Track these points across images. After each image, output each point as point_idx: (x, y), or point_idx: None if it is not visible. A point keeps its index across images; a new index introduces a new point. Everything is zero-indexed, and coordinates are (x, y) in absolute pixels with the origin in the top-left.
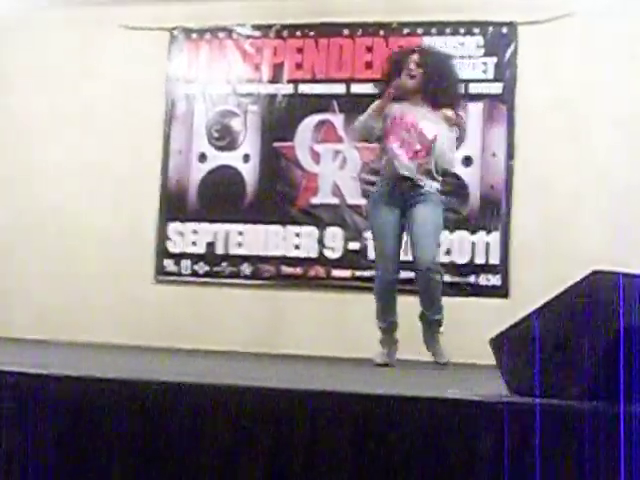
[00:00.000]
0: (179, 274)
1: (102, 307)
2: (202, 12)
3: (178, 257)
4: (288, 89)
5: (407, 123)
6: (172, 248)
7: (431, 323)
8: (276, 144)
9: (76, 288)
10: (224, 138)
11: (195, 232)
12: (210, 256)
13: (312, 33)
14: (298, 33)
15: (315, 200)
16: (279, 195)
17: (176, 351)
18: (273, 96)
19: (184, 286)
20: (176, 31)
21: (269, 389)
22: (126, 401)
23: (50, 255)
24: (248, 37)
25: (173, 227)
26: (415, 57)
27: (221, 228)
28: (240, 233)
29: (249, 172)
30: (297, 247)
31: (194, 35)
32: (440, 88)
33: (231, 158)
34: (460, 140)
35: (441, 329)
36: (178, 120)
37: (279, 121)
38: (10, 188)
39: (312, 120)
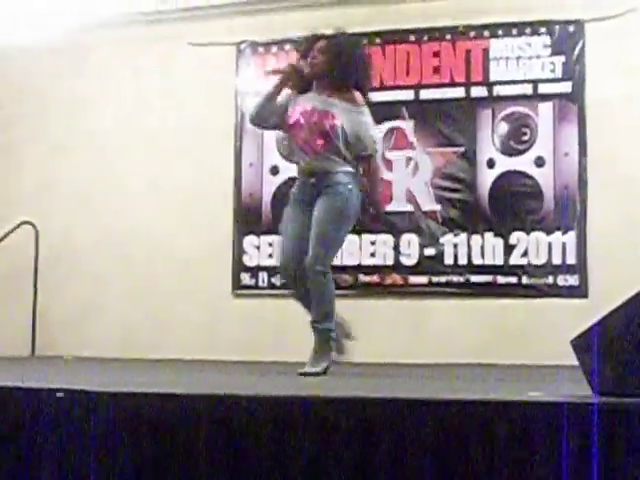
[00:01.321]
0: (256, 287)
1: (182, 323)
2: (267, 24)
3: (255, 270)
4: None
5: (311, 114)
6: (248, 261)
7: (317, 332)
8: None
9: (156, 305)
10: None
11: (270, 244)
12: None
13: (378, 40)
14: (364, 41)
15: (389, 207)
16: None
17: (256, 364)
18: None
19: (262, 299)
20: (243, 45)
21: (350, 399)
22: (212, 416)
23: (130, 273)
24: None
25: (249, 240)
26: (320, 44)
27: None
28: None
29: None
30: (373, 255)
31: (261, 48)
32: (346, 72)
33: None
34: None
35: (330, 344)
36: (248, 134)
37: None
38: (91, 207)
39: (382, 127)
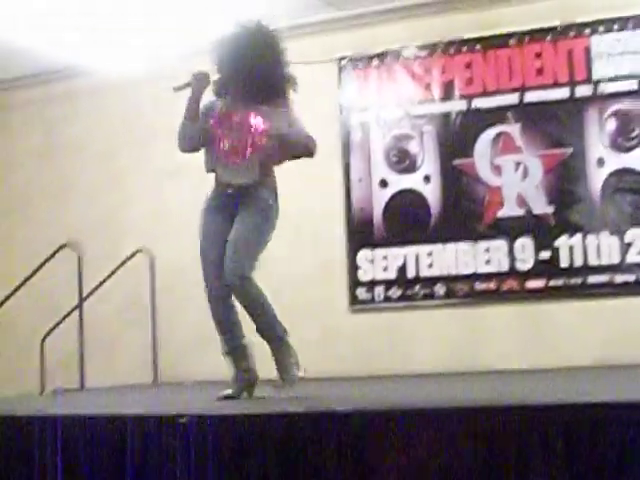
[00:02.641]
0: (373, 301)
1: (299, 342)
2: (367, 39)
3: (370, 284)
4: (461, 105)
5: (233, 121)
6: (363, 276)
7: (269, 341)
8: (455, 162)
9: None
10: (403, 161)
11: (385, 258)
12: (402, 280)
13: (479, 46)
14: (465, 48)
15: (501, 213)
16: (464, 212)
17: (376, 378)
18: (447, 114)
19: (378, 313)
20: (344, 61)
21: (474, 408)
22: (339, 433)
23: None
24: (415, 58)
25: (362, 255)
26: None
27: (410, 251)
28: (429, 254)
29: (431, 193)
30: (488, 262)
31: (362, 62)
32: (255, 79)
33: (412, 181)
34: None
35: (289, 342)
36: (355, 148)
37: (456, 138)
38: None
39: (489, 134)
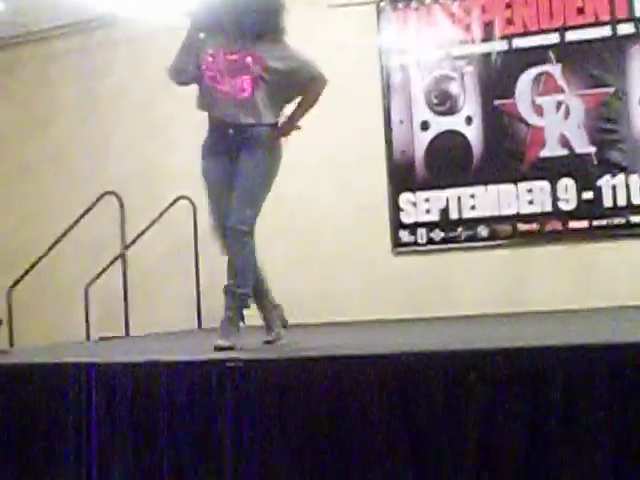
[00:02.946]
0: (416, 244)
1: (344, 286)
2: None
3: (413, 227)
4: (502, 46)
5: (226, 57)
6: (406, 219)
7: (232, 296)
8: (497, 102)
9: (318, 271)
10: (444, 103)
11: (427, 200)
12: (445, 222)
13: None
14: None
15: (543, 153)
16: (506, 153)
17: (420, 320)
18: (487, 55)
19: (421, 255)
20: (383, 3)
21: (522, 349)
22: (384, 376)
23: (291, 240)
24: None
25: (404, 198)
26: None
27: (452, 193)
28: (472, 196)
29: (473, 134)
30: (531, 203)
31: (400, 4)
32: (251, 14)
33: (453, 122)
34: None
35: (243, 312)
36: (396, 91)
37: (497, 79)
38: None
39: (530, 74)
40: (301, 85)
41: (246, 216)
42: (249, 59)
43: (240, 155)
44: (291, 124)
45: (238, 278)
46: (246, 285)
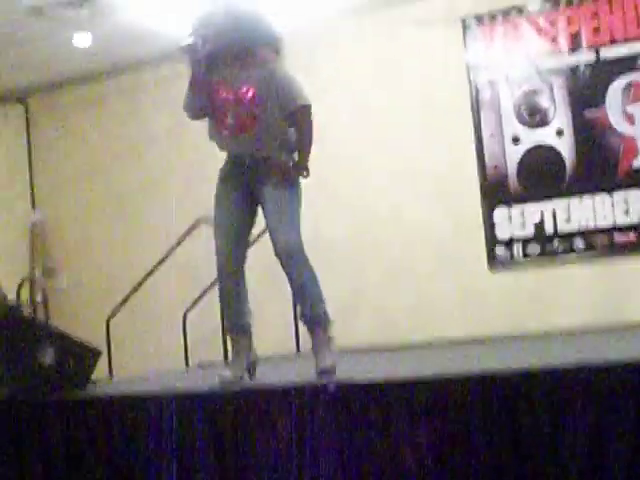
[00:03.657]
0: (512, 259)
1: (442, 303)
2: None
3: (508, 242)
4: (590, 56)
5: (228, 91)
6: (501, 234)
7: (310, 320)
8: (587, 113)
9: (414, 288)
10: (534, 116)
11: (521, 214)
12: (540, 236)
13: None
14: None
15: (637, 162)
16: (599, 163)
17: (519, 337)
18: (575, 66)
19: (518, 270)
20: (468, 19)
21: (625, 364)
22: (487, 396)
23: (386, 259)
24: (540, 12)
25: (499, 213)
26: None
27: (547, 206)
28: (566, 208)
29: (565, 146)
30: (627, 213)
31: (486, 20)
32: (241, 38)
33: (544, 135)
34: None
35: (329, 331)
36: (485, 106)
37: (586, 90)
38: (338, 200)
39: (619, 83)
40: (286, 110)
41: (294, 238)
42: (250, 93)
43: (262, 185)
44: (302, 161)
45: (314, 301)
46: (322, 303)
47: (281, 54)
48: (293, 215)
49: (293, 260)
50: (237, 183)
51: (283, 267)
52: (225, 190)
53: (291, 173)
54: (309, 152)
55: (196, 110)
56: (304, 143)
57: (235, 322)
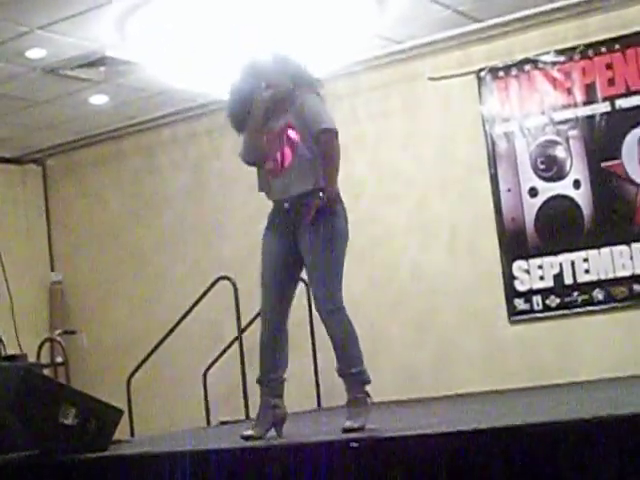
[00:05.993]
0: (532, 311)
1: (464, 357)
2: (503, 48)
3: (528, 294)
4: (605, 107)
5: (274, 134)
6: (520, 286)
7: (350, 378)
8: (604, 164)
9: (436, 341)
10: (551, 169)
11: (540, 267)
12: (560, 288)
13: (618, 46)
14: (603, 49)
15: None
16: (617, 214)
17: (540, 388)
18: (591, 117)
19: (538, 322)
20: (483, 72)
21: None
22: (509, 449)
23: (405, 313)
24: (554, 64)
25: (518, 265)
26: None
27: (565, 258)
28: (585, 260)
29: (582, 197)
30: None
31: (500, 72)
32: (291, 82)
33: (561, 187)
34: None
35: (365, 388)
36: (502, 159)
37: (602, 141)
38: (357, 257)
39: (636, 133)
40: (312, 134)
41: (330, 294)
42: (287, 124)
43: (301, 231)
44: (328, 186)
45: (349, 358)
46: (359, 362)
47: (321, 96)
48: (333, 266)
49: (333, 317)
50: (280, 230)
51: (323, 322)
52: (269, 238)
53: (323, 205)
54: (334, 177)
55: (257, 153)
56: (329, 168)
57: (267, 375)
